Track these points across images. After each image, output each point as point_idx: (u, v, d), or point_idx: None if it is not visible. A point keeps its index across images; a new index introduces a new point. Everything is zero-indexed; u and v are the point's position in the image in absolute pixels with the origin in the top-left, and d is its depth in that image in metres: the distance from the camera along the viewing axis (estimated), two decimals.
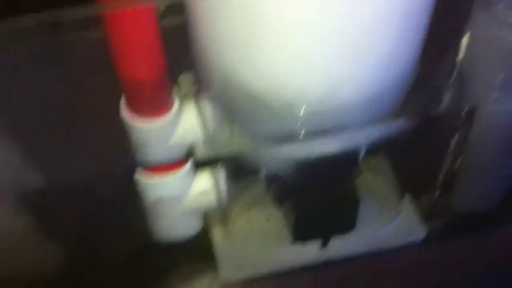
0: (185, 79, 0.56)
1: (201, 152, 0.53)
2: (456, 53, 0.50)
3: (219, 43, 0.45)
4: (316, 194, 0.58)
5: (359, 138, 0.52)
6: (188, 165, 0.54)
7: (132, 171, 0.53)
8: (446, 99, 0.51)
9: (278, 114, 0.48)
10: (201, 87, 0.52)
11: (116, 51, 0.44)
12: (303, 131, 0.50)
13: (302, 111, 0.47)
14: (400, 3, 0.42)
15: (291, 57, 0.44)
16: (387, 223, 0.64)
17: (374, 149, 0.57)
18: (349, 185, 0.59)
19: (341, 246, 0.63)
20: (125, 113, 0.50)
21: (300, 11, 0.41)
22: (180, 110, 0.51)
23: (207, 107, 0.52)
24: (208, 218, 0.63)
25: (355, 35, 0.42)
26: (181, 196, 0.55)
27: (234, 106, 0.50)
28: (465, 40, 0.49)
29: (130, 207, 0.56)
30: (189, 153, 0.53)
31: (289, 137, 0.50)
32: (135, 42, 0.44)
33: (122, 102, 0.50)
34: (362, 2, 0.40)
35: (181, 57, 0.50)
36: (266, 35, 0.42)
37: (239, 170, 0.58)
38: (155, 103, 0.50)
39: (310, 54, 0.43)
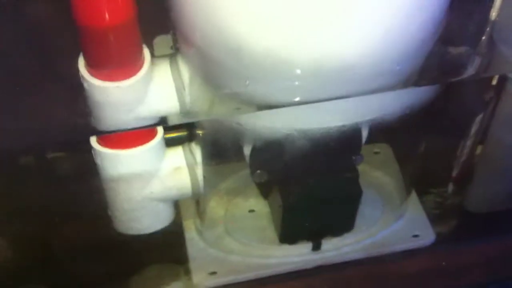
0: (161, 41, 0.49)
1: (175, 120, 0.44)
2: (488, 10, 0.43)
3: None
4: (310, 183, 0.50)
5: (368, 109, 0.44)
6: (159, 137, 0.45)
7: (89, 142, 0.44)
8: (473, 65, 0.43)
9: (273, 75, 0.40)
10: (179, 48, 0.45)
11: None
12: (298, 98, 0.42)
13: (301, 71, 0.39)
14: None
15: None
16: (390, 223, 0.57)
17: (378, 132, 0.49)
18: (350, 173, 0.50)
19: (337, 248, 0.55)
20: (84, 70, 0.41)
21: None
22: (152, 71, 0.43)
23: (185, 70, 0.44)
24: (180, 209, 0.54)
25: None
26: (148, 175, 0.46)
27: (218, 67, 0.42)
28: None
29: (86, 187, 0.47)
30: (160, 123, 0.44)
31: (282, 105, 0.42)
32: None
33: (81, 57, 0.42)
34: None
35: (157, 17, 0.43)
36: None
37: (218, 151, 0.49)
38: (120, 58, 0.41)
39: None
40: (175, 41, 0.46)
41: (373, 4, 0.37)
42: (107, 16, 0.38)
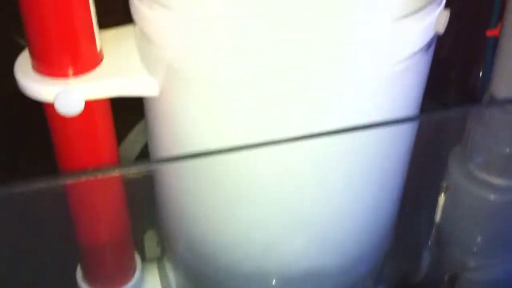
0: (151, 238, 0.52)
1: None
2: (433, 215, 0.48)
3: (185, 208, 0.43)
4: None
5: None
6: None
7: None
8: (424, 265, 0.48)
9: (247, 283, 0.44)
10: (165, 248, 0.49)
11: (74, 209, 0.41)
12: None
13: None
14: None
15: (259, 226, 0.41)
16: None
17: None
18: None
19: None
20: (82, 283, 0.45)
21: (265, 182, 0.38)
22: (142, 278, 0.47)
23: (170, 271, 0.48)
24: None
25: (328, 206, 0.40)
26: None
27: (198, 272, 0.46)
28: (441, 200, 0.47)
29: None
30: None
31: None
32: (97, 201, 0.40)
33: (79, 270, 0.46)
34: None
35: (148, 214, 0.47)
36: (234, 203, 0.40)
37: None
38: (114, 273, 0.46)
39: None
40: (161, 240, 0.50)
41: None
42: (103, 236, 0.43)
